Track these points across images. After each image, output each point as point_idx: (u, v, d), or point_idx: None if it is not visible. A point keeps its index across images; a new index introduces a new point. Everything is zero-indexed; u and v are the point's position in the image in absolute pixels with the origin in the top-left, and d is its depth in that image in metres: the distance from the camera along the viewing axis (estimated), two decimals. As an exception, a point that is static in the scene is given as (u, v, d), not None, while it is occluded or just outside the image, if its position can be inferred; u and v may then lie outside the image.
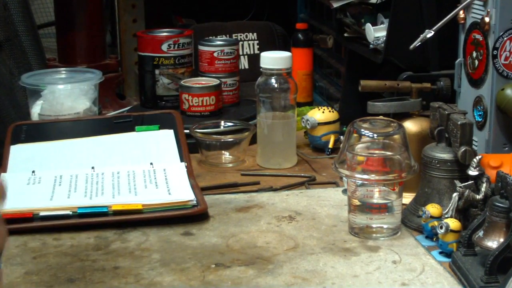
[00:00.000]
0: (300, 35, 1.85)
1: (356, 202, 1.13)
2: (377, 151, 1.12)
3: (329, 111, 1.53)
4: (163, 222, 1.18)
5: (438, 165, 1.16)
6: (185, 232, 1.16)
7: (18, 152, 1.37)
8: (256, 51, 2.01)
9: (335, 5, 1.60)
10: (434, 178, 1.17)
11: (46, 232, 1.15)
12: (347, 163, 1.12)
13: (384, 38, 1.43)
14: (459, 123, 1.13)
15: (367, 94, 1.37)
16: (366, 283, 1.00)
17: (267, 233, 1.15)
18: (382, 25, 1.47)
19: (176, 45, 1.68)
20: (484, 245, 1.00)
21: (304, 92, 1.83)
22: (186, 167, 1.33)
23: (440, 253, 1.10)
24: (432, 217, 1.12)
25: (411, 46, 1.28)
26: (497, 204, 0.99)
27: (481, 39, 1.23)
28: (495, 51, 1.20)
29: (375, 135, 1.12)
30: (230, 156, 1.50)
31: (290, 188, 1.36)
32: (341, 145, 1.16)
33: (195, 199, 1.21)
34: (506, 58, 1.21)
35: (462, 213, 1.12)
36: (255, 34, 2.03)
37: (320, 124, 1.51)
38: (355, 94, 1.47)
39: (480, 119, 1.24)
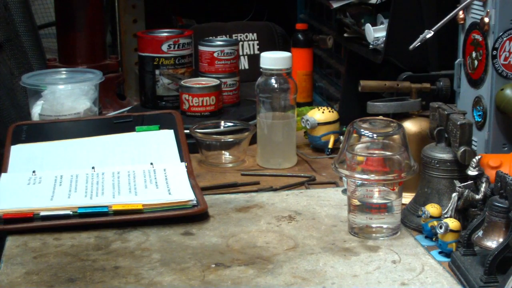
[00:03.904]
0: (300, 36, 1.85)
1: (356, 202, 1.13)
2: (376, 151, 1.12)
3: (329, 111, 1.53)
4: (163, 222, 1.18)
5: (437, 165, 1.17)
6: (185, 232, 1.16)
7: (18, 152, 1.37)
8: (256, 51, 2.01)
9: (335, 5, 1.60)
10: (434, 178, 1.17)
11: (47, 232, 1.15)
12: (347, 163, 1.12)
13: (384, 39, 1.43)
14: (458, 123, 1.13)
15: (367, 94, 1.37)
16: (365, 283, 1.00)
17: (267, 233, 1.16)
18: (381, 26, 1.47)
19: (176, 46, 1.68)
20: (483, 245, 1.00)
21: (304, 92, 1.84)
22: (186, 167, 1.33)
23: (440, 253, 1.10)
24: (431, 217, 1.12)
25: (411, 47, 1.28)
26: (496, 204, 0.99)
27: (480, 40, 1.23)
28: (495, 51, 1.21)
29: (374, 135, 1.12)
30: (230, 156, 1.50)
31: (290, 188, 1.36)
32: (341, 145, 1.16)
33: (195, 199, 1.21)
34: (505, 58, 1.21)
35: (462, 213, 1.12)
36: (255, 34, 2.04)
37: (320, 124, 1.52)
38: (355, 94, 1.47)
39: (479, 119, 1.25)
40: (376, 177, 1.10)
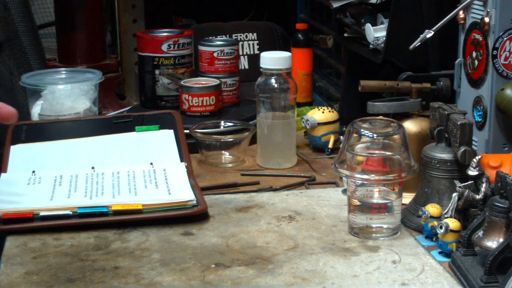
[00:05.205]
0: (300, 35, 1.85)
1: (356, 202, 1.13)
2: (377, 151, 1.12)
3: (329, 111, 1.53)
4: (163, 222, 1.18)
5: (438, 165, 1.16)
6: (185, 232, 1.16)
7: (18, 152, 1.37)
8: (256, 51, 2.01)
9: (335, 5, 1.60)
10: (434, 178, 1.17)
11: (46, 232, 1.15)
12: (347, 163, 1.12)
13: (384, 38, 1.43)
14: (458, 123, 1.13)
15: (367, 94, 1.37)
16: (366, 283, 1.00)
17: (267, 233, 1.15)
18: (382, 25, 1.47)
19: (176, 45, 1.68)
20: (483, 245, 1.00)
21: (304, 92, 1.84)
22: (186, 167, 1.33)
23: (440, 253, 1.10)
24: (431, 217, 1.12)
25: (411, 46, 1.28)
26: (496, 204, 0.99)
27: (480, 39, 1.23)
28: (495, 51, 1.20)
29: (375, 135, 1.12)
30: (230, 156, 1.50)
31: (290, 188, 1.36)
32: (341, 145, 1.16)
33: (195, 199, 1.21)
34: (505, 58, 1.21)
35: (462, 213, 1.12)
36: (255, 34, 2.03)
37: (320, 124, 1.52)
38: (355, 94, 1.47)
39: (479, 119, 1.24)
40: (376, 177, 1.10)
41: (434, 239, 1.13)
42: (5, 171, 1.32)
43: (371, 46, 1.47)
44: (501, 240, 0.98)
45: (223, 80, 1.68)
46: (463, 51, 1.29)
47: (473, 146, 1.17)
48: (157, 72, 1.69)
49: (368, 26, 1.48)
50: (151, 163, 1.34)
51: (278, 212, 1.23)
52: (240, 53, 1.96)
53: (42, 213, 1.17)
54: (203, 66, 1.71)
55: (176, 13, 2.26)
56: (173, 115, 1.47)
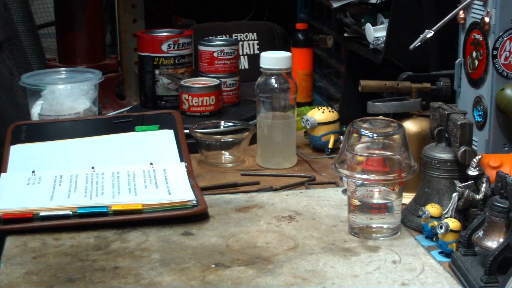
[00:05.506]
0: (300, 35, 1.85)
1: (356, 202, 1.13)
2: (377, 151, 1.12)
3: (329, 111, 1.53)
4: (163, 222, 1.18)
5: (438, 165, 1.16)
6: (185, 232, 1.16)
7: (18, 152, 1.37)
8: (256, 51, 2.01)
9: (335, 5, 1.60)
10: (434, 178, 1.17)
11: (46, 232, 1.15)
12: (347, 163, 1.12)
13: (384, 38, 1.43)
14: (459, 123, 1.13)
15: (367, 94, 1.37)
16: (366, 283, 1.00)
17: (267, 233, 1.15)
18: (382, 25, 1.47)
19: (176, 45, 1.68)
20: (483, 245, 1.00)
21: (304, 92, 1.84)
22: (186, 167, 1.33)
23: (440, 253, 1.10)
24: (432, 217, 1.12)
25: (411, 46, 1.28)
26: (497, 204, 0.99)
27: (481, 39, 1.23)
28: (495, 51, 1.20)
29: (375, 135, 1.12)
30: (230, 156, 1.50)
31: (290, 188, 1.36)
32: (341, 145, 1.16)
33: (195, 199, 1.21)
34: (506, 58, 1.21)
35: (462, 213, 1.12)
36: (255, 34, 2.03)
37: (320, 124, 1.52)
38: (355, 94, 1.47)
39: (480, 119, 1.24)
40: (376, 177, 1.10)
41: (434, 239, 1.13)
42: (5, 171, 1.32)
43: (371, 46, 1.47)
44: (501, 240, 0.98)
45: (223, 80, 1.68)
46: (463, 51, 1.29)
47: (473, 146, 1.17)
48: (157, 72, 1.69)
49: (368, 26, 1.48)
50: (151, 163, 1.34)
51: (278, 212, 1.23)
52: (240, 53, 1.96)
53: (42, 213, 1.17)
54: (203, 66, 1.71)
55: (176, 13, 2.26)
56: (173, 115, 1.46)
